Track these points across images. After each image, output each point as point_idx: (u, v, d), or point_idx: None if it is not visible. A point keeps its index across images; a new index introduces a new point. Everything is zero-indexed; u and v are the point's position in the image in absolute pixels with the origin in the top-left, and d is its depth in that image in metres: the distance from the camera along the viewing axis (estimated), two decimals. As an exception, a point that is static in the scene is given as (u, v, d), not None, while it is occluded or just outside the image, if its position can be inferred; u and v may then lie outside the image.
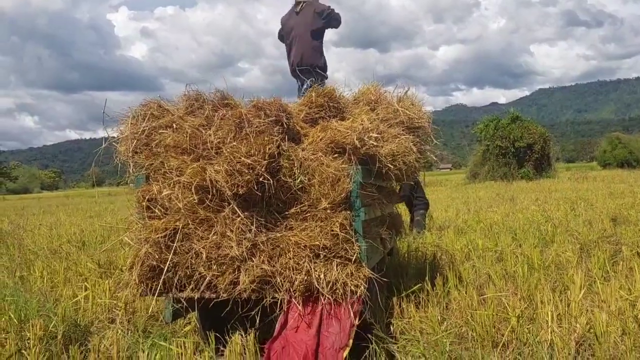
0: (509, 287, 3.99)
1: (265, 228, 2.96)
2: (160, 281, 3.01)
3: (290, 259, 2.86)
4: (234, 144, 2.87)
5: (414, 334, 3.30)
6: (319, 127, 3.33)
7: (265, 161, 2.81)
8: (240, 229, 2.89)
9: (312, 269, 2.83)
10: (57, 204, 27.65)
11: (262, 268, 2.86)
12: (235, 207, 2.90)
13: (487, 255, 5.52)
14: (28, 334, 3.25)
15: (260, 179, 2.81)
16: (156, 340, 3.32)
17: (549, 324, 3.15)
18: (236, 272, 2.91)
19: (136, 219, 3.15)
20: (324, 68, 5.28)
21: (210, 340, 3.17)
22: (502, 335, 3.19)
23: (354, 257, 2.90)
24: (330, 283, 2.82)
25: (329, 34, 5.34)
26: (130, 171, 3.23)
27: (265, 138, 2.87)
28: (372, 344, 2.98)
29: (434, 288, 3.98)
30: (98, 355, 3.15)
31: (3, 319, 3.56)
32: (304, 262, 2.84)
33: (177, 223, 2.96)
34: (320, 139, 3.20)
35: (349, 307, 2.83)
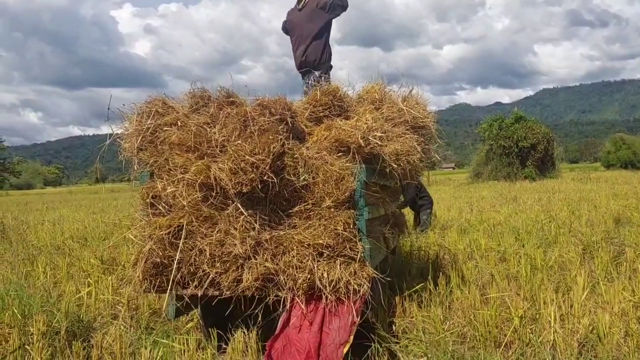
0: (512, 287, 3.98)
1: (269, 226, 2.96)
2: (164, 278, 3.02)
3: (293, 257, 2.87)
4: (239, 142, 2.87)
5: (416, 334, 3.31)
6: (323, 126, 3.33)
7: (270, 160, 2.81)
8: (244, 227, 2.89)
9: (316, 268, 2.84)
10: (60, 199, 27.73)
11: (265, 266, 2.86)
12: (239, 205, 2.90)
13: (490, 255, 5.52)
14: (31, 330, 3.26)
15: (265, 178, 2.81)
16: (158, 337, 3.33)
17: (552, 325, 3.15)
18: (239, 270, 2.91)
19: (140, 215, 3.16)
20: (329, 59, 5.21)
21: (212, 337, 3.18)
22: (505, 336, 3.19)
23: (358, 256, 2.90)
24: (333, 282, 2.82)
25: (332, 32, 5.28)
26: (135, 168, 3.24)
27: (270, 136, 2.87)
28: (374, 343, 2.98)
29: (437, 287, 3.98)
30: (101, 351, 3.16)
31: (7, 314, 3.58)
32: (307, 261, 2.85)
33: (181, 220, 2.97)
34: (325, 138, 3.20)
35: (351, 304, 2.83)
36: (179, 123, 3.14)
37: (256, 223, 2.90)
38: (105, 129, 3.35)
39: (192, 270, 2.99)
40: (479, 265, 5.04)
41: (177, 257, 2.96)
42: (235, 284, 2.92)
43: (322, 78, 5.03)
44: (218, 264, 2.93)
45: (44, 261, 5.73)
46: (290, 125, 3.11)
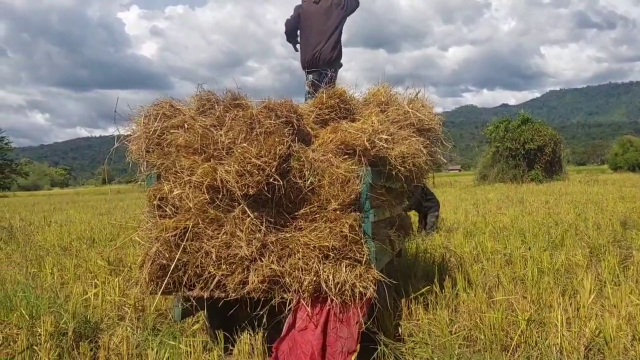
0: (518, 290, 3.97)
1: (275, 228, 2.97)
2: (170, 280, 3.04)
3: (299, 259, 2.87)
4: (245, 144, 2.89)
5: (422, 337, 3.30)
6: (329, 129, 3.34)
7: (276, 162, 2.82)
8: (250, 229, 2.90)
9: (321, 270, 2.84)
10: (68, 201, 27.88)
11: (271, 268, 2.87)
12: (246, 207, 2.91)
13: (496, 258, 5.50)
14: (39, 330, 3.28)
15: (271, 180, 2.82)
16: (165, 338, 3.34)
17: (559, 328, 3.14)
18: (245, 272, 2.92)
19: (147, 217, 3.17)
20: (340, 56, 5.20)
21: (219, 339, 3.19)
22: (511, 339, 3.18)
23: (363, 259, 2.91)
24: (339, 284, 2.83)
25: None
26: (142, 170, 3.26)
27: (276, 139, 2.88)
28: (380, 346, 2.98)
29: (443, 290, 3.97)
30: (108, 352, 3.18)
31: (15, 315, 3.61)
32: (313, 263, 2.85)
33: (188, 222, 2.98)
34: (331, 140, 3.21)
35: (357, 309, 2.83)
36: (186, 125, 3.16)
37: (262, 225, 2.91)
38: (111, 130, 3.37)
39: (198, 272, 3.01)
40: (485, 268, 5.03)
41: (177, 257, 2.97)
42: (241, 285, 2.93)
43: (332, 78, 5.00)
44: (224, 266, 2.94)
45: (51, 262, 5.77)
46: (296, 127, 3.12)
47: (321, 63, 5.03)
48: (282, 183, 2.85)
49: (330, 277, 2.83)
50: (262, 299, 2.96)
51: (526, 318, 3.26)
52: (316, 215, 2.98)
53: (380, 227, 3.43)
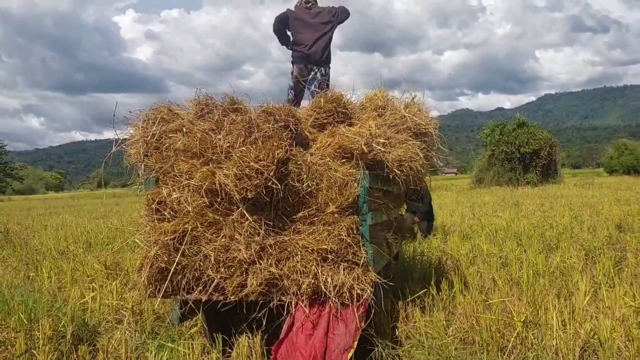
0: (514, 293, 4.00)
1: (273, 231, 2.99)
2: (169, 283, 3.05)
3: (297, 262, 2.89)
4: (243, 148, 2.91)
5: (419, 339, 3.33)
6: (327, 132, 3.36)
7: (274, 166, 2.84)
8: (248, 232, 2.92)
9: (319, 273, 2.87)
10: (63, 205, 27.79)
11: (269, 271, 2.89)
12: (244, 211, 2.93)
13: (492, 260, 5.53)
14: (37, 334, 3.29)
15: (269, 184, 2.84)
16: (163, 341, 3.36)
17: (554, 330, 3.17)
18: (244, 275, 2.94)
19: (145, 221, 3.19)
20: (330, 59, 5.31)
21: (217, 341, 3.20)
22: (508, 341, 3.21)
23: (361, 261, 2.93)
24: (337, 287, 2.85)
25: (334, 39, 5.35)
26: (140, 174, 3.27)
27: (274, 143, 2.91)
28: (377, 347, 3.00)
29: (440, 292, 4.00)
30: (106, 355, 3.19)
31: (13, 318, 3.61)
32: (311, 266, 2.88)
33: (186, 226, 3.00)
34: (328, 144, 3.23)
35: (355, 310, 2.86)
36: (184, 129, 3.18)
37: (261, 228, 2.93)
38: (107, 134, 3.38)
39: (197, 275, 3.02)
40: (482, 270, 5.06)
41: (175, 261, 2.98)
42: (239, 288, 2.95)
43: (325, 79, 5.08)
44: (223, 269, 2.96)
45: (48, 266, 5.76)
46: (294, 131, 3.14)
47: (313, 58, 5.11)
48: (280, 186, 2.87)
49: (329, 279, 2.86)
50: (261, 301, 2.98)
51: (522, 320, 3.29)
52: (314, 219, 3.01)
53: (377, 230, 3.46)
